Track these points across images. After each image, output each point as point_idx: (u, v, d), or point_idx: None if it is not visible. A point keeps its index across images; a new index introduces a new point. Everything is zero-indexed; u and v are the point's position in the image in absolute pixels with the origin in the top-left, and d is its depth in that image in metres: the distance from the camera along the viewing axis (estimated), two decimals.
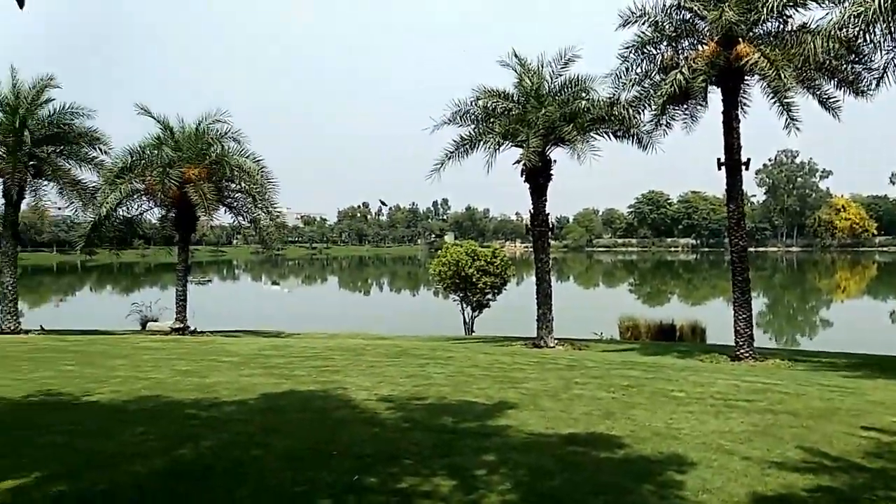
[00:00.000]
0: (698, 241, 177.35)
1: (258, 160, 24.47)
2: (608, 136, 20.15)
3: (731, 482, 5.49)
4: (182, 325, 23.44)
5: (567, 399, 8.94)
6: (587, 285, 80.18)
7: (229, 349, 15.53)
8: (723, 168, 17.65)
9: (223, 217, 27.45)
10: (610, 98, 18.59)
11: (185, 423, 8.02)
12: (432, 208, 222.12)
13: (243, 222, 26.68)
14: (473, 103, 20.17)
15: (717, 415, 8.00)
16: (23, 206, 24.86)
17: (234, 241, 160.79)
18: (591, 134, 19.77)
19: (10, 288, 23.39)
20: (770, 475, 5.69)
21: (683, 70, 16.24)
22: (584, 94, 19.79)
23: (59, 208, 26.91)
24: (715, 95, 17.76)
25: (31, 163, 23.74)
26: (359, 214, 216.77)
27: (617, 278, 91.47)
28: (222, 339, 20.45)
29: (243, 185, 24.67)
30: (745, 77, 17.08)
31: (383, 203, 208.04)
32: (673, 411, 8.17)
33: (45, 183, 24.56)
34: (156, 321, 25.68)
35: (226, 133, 24.39)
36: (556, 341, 19.23)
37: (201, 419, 8.24)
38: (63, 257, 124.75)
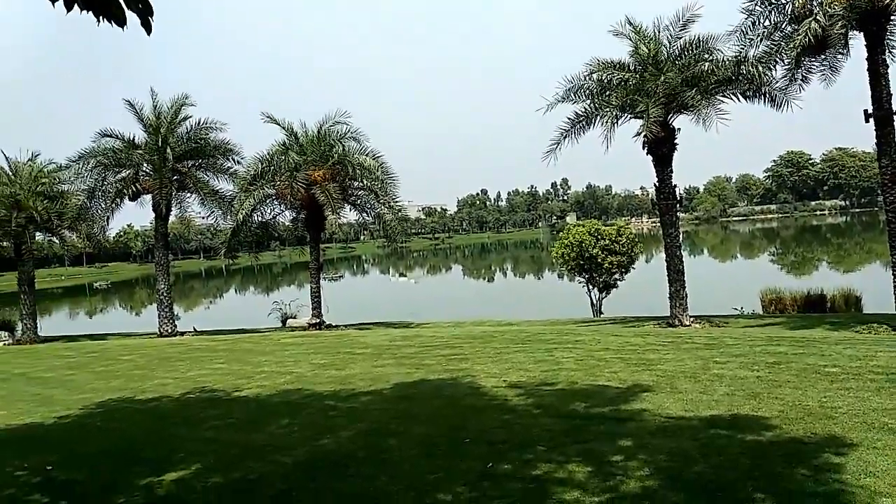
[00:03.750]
0: (847, 202, 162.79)
1: (377, 157, 25.17)
2: (736, 97, 18.79)
3: None
4: (318, 321, 24.61)
5: (707, 380, 8.45)
6: (723, 258, 75.88)
7: (362, 341, 16.11)
8: (871, 120, 15.98)
9: (349, 214, 28.51)
10: (736, 56, 17.33)
11: (326, 415, 8.39)
12: (552, 190, 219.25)
13: (368, 218, 27.54)
14: (587, 77, 19.49)
15: (878, 391, 7.25)
16: (171, 218, 27.10)
17: (362, 237, 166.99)
18: (717, 97, 18.54)
19: (165, 294, 25.64)
20: None
21: (818, 17, 14.82)
22: (706, 56, 18.56)
23: (203, 217, 29.09)
24: (857, 41, 16.10)
25: (175, 177, 25.85)
26: (478, 202, 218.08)
27: (756, 248, 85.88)
28: (355, 332, 21.28)
29: (365, 182, 25.42)
30: (893, 17, 15.33)
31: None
32: (827, 389, 7.50)
33: (188, 195, 26.71)
34: (294, 318, 27.15)
35: (346, 133, 25.25)
36: (691, 319, 18.32)
37: (340, 410, 8.59)
38: (209, 262, 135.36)
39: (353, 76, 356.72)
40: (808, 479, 4.84)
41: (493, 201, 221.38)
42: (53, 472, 6.74)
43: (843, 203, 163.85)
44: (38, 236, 28.48)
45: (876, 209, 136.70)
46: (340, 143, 25.18)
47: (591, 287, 26.19)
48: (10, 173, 26.98)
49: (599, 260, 24.92)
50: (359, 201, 26.78)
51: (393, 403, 8.75)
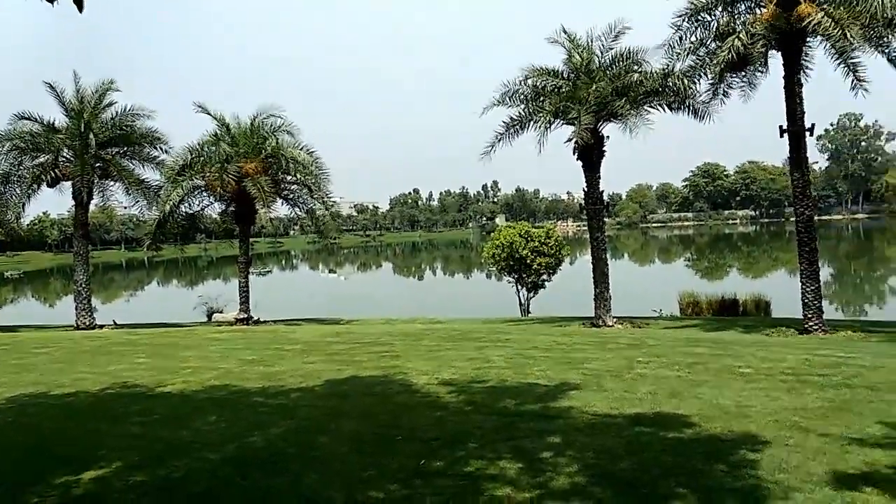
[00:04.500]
0: (757, 213, 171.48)
1: (312, 152, 24.87)
2: (662, 108, 19.61)
3: (809, 460, 5.30)
4: (246, 316, 24.09)
5: (630, 379, 8.79)
6: (643, 262, 78.70)
7: (292, 337, 15.88)
8: (785, 135, 16.95)
9: (280, 209, 28.03)
10: (663, 69, 18.05)
11: (254, 411, 8.25)
12: (482, 191, 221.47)
13: (300, 213, 27.14)
14: (522, 83, 19.92)
15: (789, 391, 7.73)
16: (91, 207, 25.92)
17: (292, 232, 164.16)
18: (645, 107, 19.28)
19: (83, 285, 24.51)
20: (851, 452, 5.46)
21: (741, 35, 15.61)
22: (636, 67, 19.30)
23: (126, 207, 27.98)
24: (775, 60, 17.05)
25: (98, 165, 24.77)
26: (410, 201, 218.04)
27: (673, 254, 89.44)
28: (285, 327, 20.94)
29: (299, 176, 25.08)
30: (808, 38, 16.31)
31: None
32: (742, 388, 7.94)
33: (112, 183, 25.62)
34: (221, 312, 26.48)
35: (280, 127, 24.84)
36: (614, 320, 18.96)
37: (270, 406, 8.46)
38: (131, 254, 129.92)
39: (288, 70, 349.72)
40: (726, 475, 5.13)
41: (424, 201, 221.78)
42: None
43: (753, 213, 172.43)
44: None
45: (783, 220, 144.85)
46: (274, 136, 24.76)
47: (519, 287, 26.70)
48: None
49: (528, 261, 25.44)
50: (291, 196, 26.37)
51: (323, 400, 8.68)
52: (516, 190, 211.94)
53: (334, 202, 27.94)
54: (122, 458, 6.45)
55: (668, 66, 17.86)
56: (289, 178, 25.50)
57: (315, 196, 25.57)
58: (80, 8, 3.28)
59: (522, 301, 26.72)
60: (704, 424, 6.46)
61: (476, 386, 8.87)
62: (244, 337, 16.77)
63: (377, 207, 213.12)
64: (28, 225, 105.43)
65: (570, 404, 7.52)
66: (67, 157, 24.42)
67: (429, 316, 24.98)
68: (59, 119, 24.51)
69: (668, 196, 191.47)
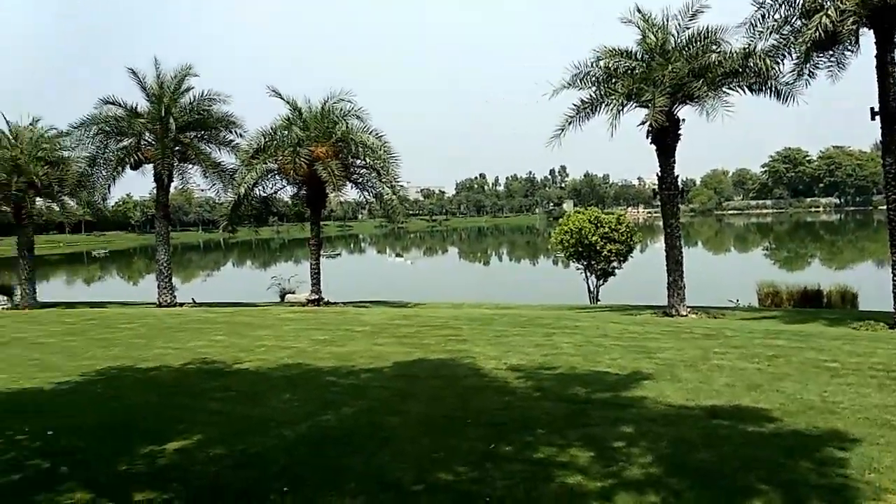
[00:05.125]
0: (842, 200, 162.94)
1: (380, 136, 25.05)
2: (742, 90, 18.75)
3: None
4: (317, 297, 24.64)
5: (706, 370, 8.52)
6: (718, 250, 76.05)
7: (362, 319, 16.15)
8: (877, 118, 15.94)
9: (350, 193, 28.40)
10: (744, 49, 17.25)
11: (327, 390, 8.44)
12: (549, 176, 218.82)
13: (368, 197, 27.45)
14: (594, 64, 19.42)
15: (879, 387, 7.32)
16: (171, 189, 27.02)
17: (360, 216, 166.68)
18: (724, 89, 18.49)
19: (164, 265, 25.63)
20: None
21: (830, 12, 14.71)
22: (714, 47, 18.50)
23: (203, 190, 28.99)
24: (866, 38, 16.01)
25: (177, 148, 25.74)
26: (476, 186, 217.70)
27: (751, 242, 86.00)
28: (354, 309, 21.31)
29: (368, 160, 25.33)
30: None
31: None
32: (827, 383, 7.57)
33: (190, 167, 26.62)
34: (293, 293, 27.15)
35: (349, 111, 25.10)
36: (688, 309, 18.41)
37: (341, 386, 8.64)
38: (208, 235, 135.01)
39: (357, 55, 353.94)
40: (811, 471, 4.90)
41: (490, 186, 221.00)
42: (54, 437, 6.75)
43: (837, 201, 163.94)
44: (38, 202, 28.24)
45: (870, 208, 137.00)
46: (344, 120, 25.05)
47: (588, 274, 26.26)
48: (11, 137, 26.74)
49: (598, 247, 24.97)
50: (360, 180, 26.68)
51: (393, 382, 8.80)
52: (585, 175, 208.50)
53: (402, 186, 28.12)
54: (203, 432, 6.71)
55: (749, 45, 17.06)
56: (358, 162, 25.79)
57: (383, 180, 25.79)
58: None
59: (591, 288, 26.29)
60: (787, 419, 6.20)
61: (544, 372, 8.79)
62: (315, 318, 17.17)
63: (443, 192, 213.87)
64: (113, 206, 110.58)
65: (642, 394, 7.36)
66: (149, 140, 25.47)
67: (495, 301, 24.92)
68: (141, 104, 25.60)
69: (746, 182, 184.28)
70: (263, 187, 25.77)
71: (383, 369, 9.54)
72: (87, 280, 62.48)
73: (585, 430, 6.13)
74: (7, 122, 27.15)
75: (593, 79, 19.52)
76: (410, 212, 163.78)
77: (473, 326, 13.59)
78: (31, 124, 27.36)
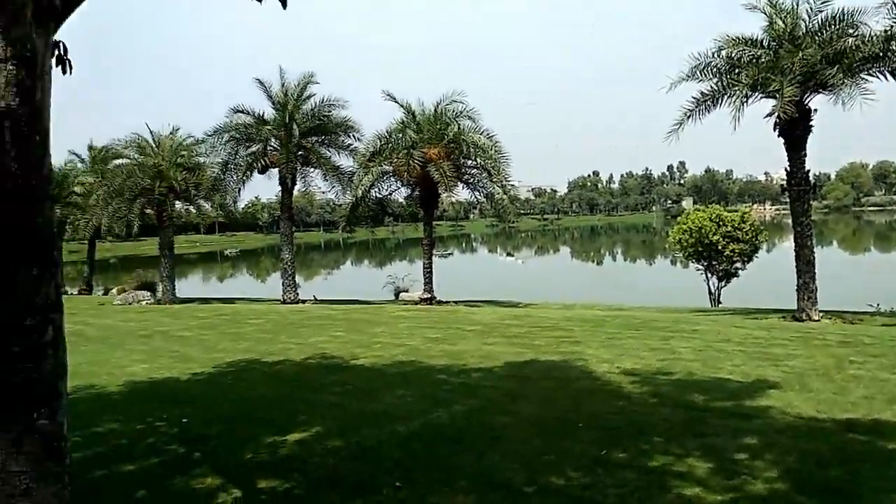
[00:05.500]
0: None
1: (491, 136, 25.18)
2: (884, 75, 17.18)
3: None
4: (429, 296, 25.11)
5: (841, 380, 7.90)
6: (856, 251, 70.17)
7: (472, 318, 16.29)
8: None
9: (461, 193, 28.72)
10: (886, 31, 15.83)
11: (438, 388, 8.59)
12: (667, 173, 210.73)
13: (480, 197, 27.64)
14: (715, 55, 18.50)
15: None
16: (295, 192, 28.45)
17: (472, 216, 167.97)
18: (862, 76, 17.03)
19: (289, 263, 27.05)
20: None
21: None
22: (851, 31, 17.10)
23: (324, 192, 30.31)
24: None
25: (300, 153, 27.09)
26: (589, 184, 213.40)
27: (894, 241, 78.72)
28: (465, 308, 21.52)
29: (479, 161, 25.50)
30: None
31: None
32: None
33: (312, 170, 27.93)
34: (406, 291, 27.81)
35: (461, 112, 25.40)
36: (821, 314, 17.13)
37: (452, 384, 8.77)
38: (328, 235, 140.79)
39: (468, 55, 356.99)
40: None
41: (604, 183, 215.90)
42: (189, 424, 7.31)
43: None
44: (178, 205, 30.67)
45: None
46: (456, 121, 25.36)
47: (709, 275, 25.04)
48: (154, 146, 29.23)
49: (720, 247, 23.74)
50: (471, 180, 26.89)
51: (504, 382, 8.81)
52: (706, 171, 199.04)
53: (513, 186, 28.05)
54: (321, 424, 7.04)
55: (891, 27, 15.64)
56: (469, 162, 26.02)
57: (494, 180, 25.87)
58: (284, 5, 3.48)
59: (712, 290, 25.05)
60: None
61: (661, 377, 8.49)
62: (428, 316, 17.50)
63: (555, 191, 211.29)
64: (243, 208, 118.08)
65: (768, 403, 6.94)
66: (274, 146, 26.96)
67: (608, 302, 24.33)
68: (268, 111, 27.15)
69: (889, 176, 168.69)
70: (379, 189, 26.58)
71: (494, 369, 9.58)
72: (220, 277, 67.01)
73: (704, 439, 5.88)
74: (150, 132, 29.71)
75: (714, 70, 18.61)
76: (521, 211, 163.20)
77: (586, 328, 13.34)
78: (171, 133, 29.76)
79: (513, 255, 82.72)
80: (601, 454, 5.61)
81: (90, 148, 38.72)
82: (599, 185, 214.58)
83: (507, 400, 7.73)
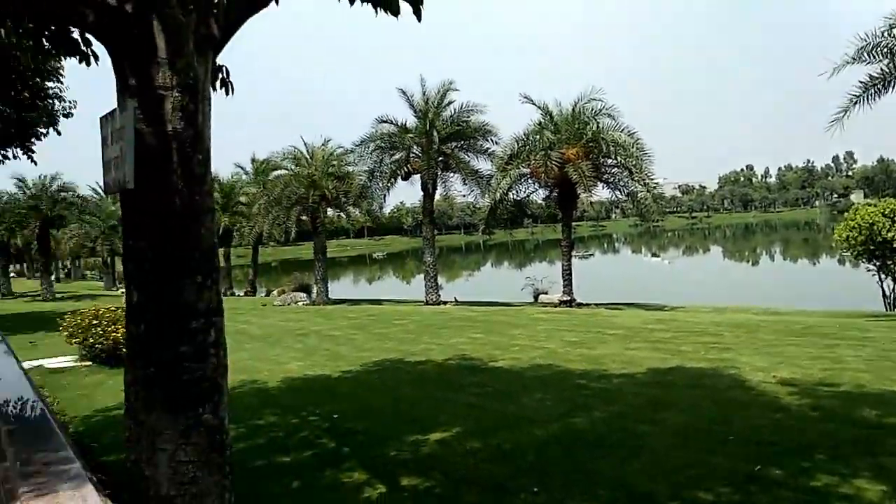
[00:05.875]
0: None
1: (632, 133, 24.45)
2: None
3: None
4: (569, 298, 24.76)
5: None
6: None
7: (613, 322, 15.86)
8: None
9: (601, 192, 28.12)
10: None
11: (577, 393, 8.45)
12: (832, 164, 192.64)
13: (621, 196, 26.90)
14: (886, 33, 16.69)
15: None
16: (436, 196, 29.26)
17: (613, 215, 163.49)
18: None
19: (431, 266, 27.83)
20: None
21: None
22: None
23: (464, 196, 30.92)
24: None
25: (440, 159, 27.81)
26: (742, 178, 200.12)
27: None
28: (606, 311, 20.99)
29: (619, 159, 24.82)
30: None
31: None
32: None
33: (451, 175, 28.59)
34: (545, 294, 27.61)
35: (600, 111, 24.89)
36: None
37: (592, 389, 8.59)
38: (469, 238, 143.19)
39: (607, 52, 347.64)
40: None
41: (759, 178, 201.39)
42: (339, 420, 7.72)
43: None
44: (329, 212, 32.59)
45: None
46: (594, 120, 24.90)
47: (882, 276, 22.60)
48: (308, 157, 31.28)
49: (895, 245, 21.34)
50: (612, 179, 26.23)
51: (647, 388, 8.50)
52: (879, 160, 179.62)
53: (657, 184, 26.99)
54: (461, 425, 7.17)
55: None
56: (609, 161, 25.41)
57: (636, 178, 25.05)
58: (419, 18, 3.52)
59: (886, 292, 22.59)
60: None
61: (824, 389, 7.79)
62: (567, 319, 17.26)
63: (704, 187, 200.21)
64: (389, 213, 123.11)
65: None
66: (416, 153, 27.90)
67: (764, 305, 22.66)
68: (410, 120, 28.13)
69: None
70: (517, 191, 26.67)
71: (636, 375, 9.26)
72: (369, 279, 70.28)
73: (876, 459, 5.32)
74: (305, 144, 31.85)
75: (885, 50, 16.79)
76: (667, 209, 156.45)
77: (738, 334, 12.54)
78: (322, 144, 31.70)
79: (658, 256, 79.50)
80: (755, 470, 5.26)
81: (253, 160, 42.22)
82: (754, 180, 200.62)
83: (650, 408, 7.45)
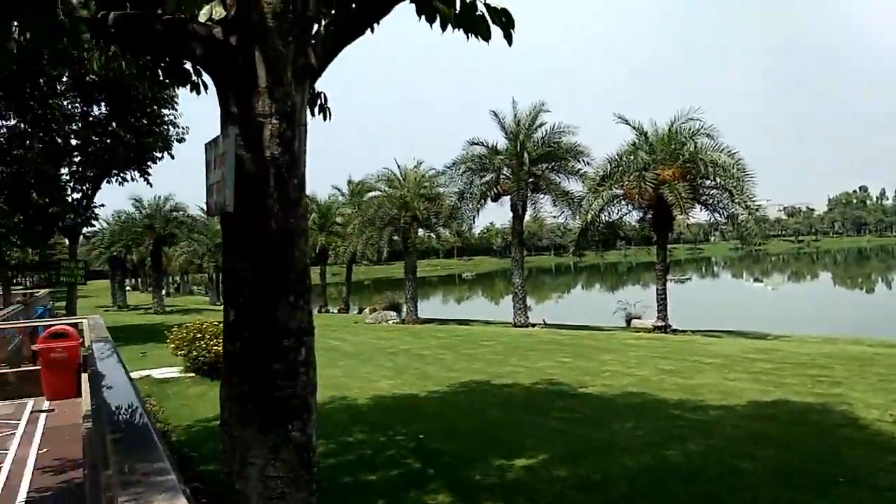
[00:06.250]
0: None
1: (733, 153, 23.48)
2: None
3: None
4: (663, 323, 23.89)
5: None
6: None
7: (711, 350, 15.16)
8: None
9: (699, 214, 27.11)
10: None
11: (671, 423, 8.11)
12: None
13: (720, 218, 25.84)
14: None
15: None
16: (526, 217, 29.12)
17: (712, 238, 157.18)
18: None
19: (519, 287, 27.65)
20: None
21: None
22: None
23: (554, 217, 30.65)
24: None
25: (530, 180, 27.70)
26: (855, 200, 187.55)
27: None
28: (703, 338, 20.10)
29: (718, 180, 23.86)
30: None
31: None
32: None
33: (541, 196, 28.40)
34: (638, 318, 26.78)
35: (698, 130, 24.08)
36: None
37: (687, 420, 8.22)
38: (559, 259, 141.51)
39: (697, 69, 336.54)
40: None
41: (874, 200, 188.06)
42: (425, 440, 7.75)
43: None
44: (420, 232, 33.13)
45: None
46: (692, 140, 24.10)
47: None
48: (401, 178, 31.99)
49: None
50: (710, 200, 25.23)
51: (746, 422, 8.04)
52: None
53: (759, 206, 25.73)
54: (547, 451, 7.03)
55: None
56: (707, 182, 24.48)
57: (736, 200, 23.97)
58: (510, 42, 3.49)
59: None
60: None
61: None
62: (661, 345, 16.66)
63: (811, 209, 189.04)
64: (478, 234, 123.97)
65: None
66: (506, 174, 27.92)
67: (880, 337, 21.01)
68: (501, 142, 28.23)
69: None
70: (609, 212, 26.10)
71: (735, 407, 8.79)
72: (458, 299, 70.62)
73: None
74: (398, 165, 32.62)
75: None
76: (770, 232, 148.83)
77: (850, 367, 11.68)
78: (415, 166, 32.36)
79: (761, 281, 75.60)
80: None
81: (349, 182, 43.59)
82: (868, 202, 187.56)
83: (750, 443, 7.05)
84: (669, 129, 24.57)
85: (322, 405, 3.66)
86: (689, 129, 24.20)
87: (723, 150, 23.61)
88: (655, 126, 25.15)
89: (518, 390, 10.81)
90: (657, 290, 24.68)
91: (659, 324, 23.93)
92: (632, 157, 24.69)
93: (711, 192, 24.80)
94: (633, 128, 25.34)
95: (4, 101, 18.45)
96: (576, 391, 10.45)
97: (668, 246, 26.79)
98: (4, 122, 21.00)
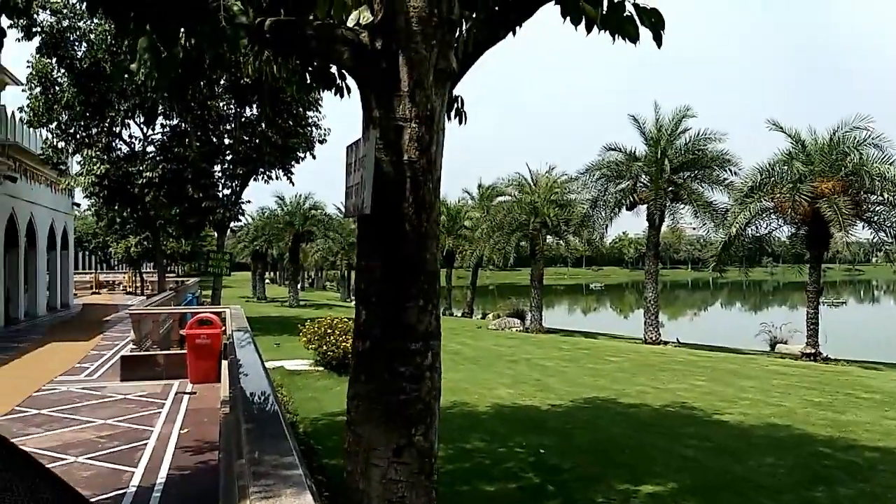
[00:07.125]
0: None
1: None
2: None
3: None
4: (813, 351, 21.97)
5: None
6: None
7: (869, 384, 13.70)
8: None
9: (860, 233, 24.66)
10: None
11: (818, 462, 7.40)
12: None
13: (885, 238, 23.35)
14: None
15: None
16: (662, 228, 27.87)
17: (874, 259, 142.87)
18: None
19: (652, 302, 26.47)
20: None
21: None
22: None
23: (694, 228, 29.14)
24: None
25: (670, 189, 26.46)
26: None
27: None
28: (860, 370, 18.24)
29: (886, 196, 21.59)
30: None
31: None
32: None
33: (681, 206, 27.04)
34: (784, 343, 24.82)
35: (864, 140, 21.93)
36: None
37: (837, 461, 7.46)
38: (696, 274, 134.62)
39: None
40: None
41: None
42: (545, 455, 7.56)
43: None
44: (549, 239, 32.67)
45: None
46: (857, 150, 21.97)
47: None
48: (532, 183, 31.74)
49: None
50: (875, 218, 22.88)
51: None
52: None
53: None
54: (676, 480, 6.62)
55: None
56: (873, 197, 22.22)
57: None
58: (659, 44, 3.31)
59: None
60: None
61: None
62: (810, 374, 15.30)
63: None
64: (610, 243, 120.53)
65: None
66: (644, 182, 26.86)
67: None
68: (639, 148, 27.21)
69: None
70: (757, 226, 24.39)
71: (895, 450, 7.86)
72: (584, 310, 69.01)
73: None
74: (530, 171, 32.39)
75: None
76: None
77: None
78: (547, 172, 31.98)
79: None
80: None
81: (479, 186, 43.94)
82: None
83: None
84: (830, 139, 22.63)
85: (442, 409, 3.64)
86: (854, 139, 22.14)
87: (893, 162, 21.39)
88: (814, 134, 23.25)
89: (646, 412, 10.31)
90: (808, 313, 22.74)
91: (808, 350, 22.03)
92: (785, 168, 22.98)
93: (877, 208, 22.50)
94: (788, 136, 23.58)
95: (170, 102, 20.32)
96: (710, 418, 9.79)
97: (823, 266, 24.60)
98: (168, 122, 23.14)
